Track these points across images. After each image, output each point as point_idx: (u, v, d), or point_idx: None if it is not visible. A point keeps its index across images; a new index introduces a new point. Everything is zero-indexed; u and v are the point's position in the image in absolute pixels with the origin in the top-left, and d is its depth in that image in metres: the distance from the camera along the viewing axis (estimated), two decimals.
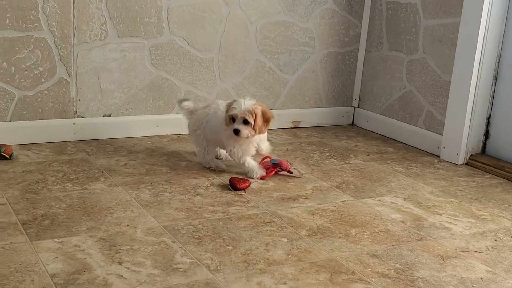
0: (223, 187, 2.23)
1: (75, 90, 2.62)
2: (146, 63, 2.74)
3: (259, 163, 2.40)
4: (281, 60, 3.05)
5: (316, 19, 3.08)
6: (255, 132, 2.25)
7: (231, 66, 2.94)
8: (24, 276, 1.50)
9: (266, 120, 2.29)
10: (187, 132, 2.76)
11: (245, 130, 2.23)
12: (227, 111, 2.28)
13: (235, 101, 2.29)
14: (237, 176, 2.28)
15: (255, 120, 2.23)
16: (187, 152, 2.62)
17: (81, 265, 1.58)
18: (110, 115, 2.72)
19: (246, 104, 2.25)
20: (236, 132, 2.23)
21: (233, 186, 2.21)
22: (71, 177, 2.20)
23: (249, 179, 2.29)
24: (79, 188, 2.11)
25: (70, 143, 2.61)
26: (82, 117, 2.66)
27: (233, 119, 2.25)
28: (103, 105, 2.69)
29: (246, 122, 2.23)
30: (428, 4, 2.88)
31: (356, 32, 3.22)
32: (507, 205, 2.27)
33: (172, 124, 2.85)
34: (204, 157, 2.43)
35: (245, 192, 2.20)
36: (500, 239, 1.97)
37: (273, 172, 2.36)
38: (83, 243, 1.70)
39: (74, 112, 2.64)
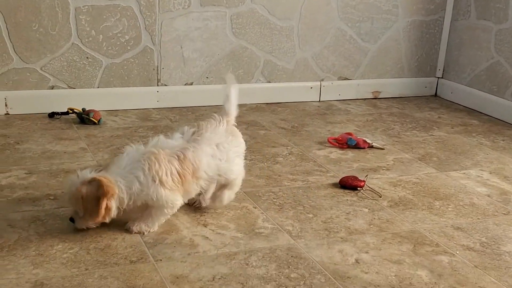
0: (302, 156, 2.25)
1: (159, 59, 2.69)
2: (227, 32, 2.76)
3: (338, 137, 2.37)
4: (362, 29, 3.00)
5: None
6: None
7: (311, 35, 2.92)
8: (116, 234, 1.59)
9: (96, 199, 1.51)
10: (266, 101, 2.77)
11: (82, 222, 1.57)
12: None
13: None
14: (349, 176, 2.03)
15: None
16: (265, 121, 2.65)
17: (168, 226, 1.64)
18: (191, 84, 2.78)
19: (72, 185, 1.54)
20: (72, 221, 1.59)
21: (347, 184, 1.98)
22: None
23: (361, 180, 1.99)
24: None
25: (154, 110, 2.69)
26: (165, 85, 2.73)
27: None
28: (185, 73, 2.75)
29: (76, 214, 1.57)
30: None
31: (442, 0, 3.12)
32: None
33: (251, 93, 2.88)
34: None
35: (361, 189, 1.97)
36: None
37: (344, 147, 2.34)
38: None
39: (158, 80, 2.71)
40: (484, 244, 1.68)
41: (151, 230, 1.61)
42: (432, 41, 3.17)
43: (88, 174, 1.54)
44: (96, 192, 1.50)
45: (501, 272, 1.53)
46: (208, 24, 2.72)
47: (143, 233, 1.60)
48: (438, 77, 3.25)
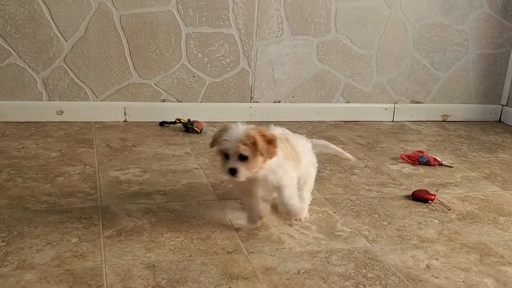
0: (377, 169, 2.20)
1: (253, 79, 2.72)
2: (313, 57, 2.76)
3: (410, 154, 2.31)
4: (435, 58, 2.92)
5: (471, 22, 2.90)
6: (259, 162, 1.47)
7: (388, 62, 2.87)
8: (215, 228, 1.61)
9: (268, 141, 1.48)
10: (344, 119, 2.74)
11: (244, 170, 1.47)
12: (217, 145, 1.52)
13: (224, 130, 1.53)
14: (421, 189, 1.96)
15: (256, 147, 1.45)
16: (343, 137, 2.62)
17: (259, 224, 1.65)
18: (279, 102, 2.79)
19: (238, 134, 1.47)
20: (233, 172, 1.47)
21: (419, 197, 1.91)
22: None
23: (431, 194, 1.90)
24: None
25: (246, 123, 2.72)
26: (257, 102, 2.76)
27: (225, 155, 1.50)
28: (275, 92, 2.77)
29: (242, 157, 1.46)
30: None
31: (509, 35, 2.98)
32: None
33: (331, 111, 2.86)
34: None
35: (432, 202, 1.90)
36: None
37: (415, 163, 2.27)
38: None
39: (251, 98, 2.74)
40: None
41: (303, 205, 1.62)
42: (498, 72, 3.04)
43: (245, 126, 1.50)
44: (268, 135, 1.48)
45: None
46: (297, 51, 2.73)
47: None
48: (503, 105, 3.10)
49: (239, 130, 1.48)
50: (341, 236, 1.62)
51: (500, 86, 3.07)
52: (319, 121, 2.86)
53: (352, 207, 1.83)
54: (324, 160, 2.25)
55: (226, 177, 1.54)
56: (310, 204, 1.77)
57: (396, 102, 2.95)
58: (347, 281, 1.38)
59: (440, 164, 2.29)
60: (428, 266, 1.48)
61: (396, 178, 2.12)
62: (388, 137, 2.66)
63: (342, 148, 2.41)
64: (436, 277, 1.43)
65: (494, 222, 1.79)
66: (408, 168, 2.24)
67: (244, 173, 1.46)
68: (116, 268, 1.37)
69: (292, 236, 1.60)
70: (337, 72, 2.81)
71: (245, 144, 1.44)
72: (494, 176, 2.21)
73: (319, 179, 2.04)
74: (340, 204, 1.85)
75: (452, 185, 2.09)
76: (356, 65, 2.83)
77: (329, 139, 2.55)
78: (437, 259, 1.52)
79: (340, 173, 2.14)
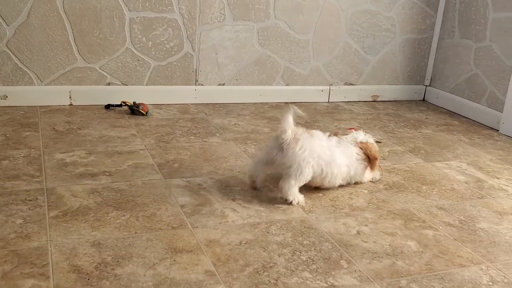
0: None
1: (197, 63, 2.66)
2: (254, 42, 2.73)
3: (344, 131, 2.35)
4: (365, 43, 2.95)
5: (398, 9, 2.95)
6: None
7: (323, 47, 2.88)
8: (160, 205, 1.57)
9: None
10: (284, 100, 2.75)
11: None
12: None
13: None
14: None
15: None
16: None
17: (203, 200, 1.63)
18: (223, 84, 2.75)
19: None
20: None
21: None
22: (193, 132, 2.26)
23: None
24: (200, 141, 2.16)
25: (192, 105, 2.67)
26: (202, 84, 2.71)
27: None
28: (219, 75, 2.73)
29: None
30: None
31: (432, 22, 3.06)
32: None
33: (272, 93, 2.85)
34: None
35: None
36: None
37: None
38: (205, 182, 1.75)
39: (196, 81, 2.69)
40: (462, 221, 1.64)
41: None
42: (422, 56, 3.12)
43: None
44: None
45: (475, 245, 1.50)
46: (239, 36, 2.69)
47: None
48: (426, 85, 3.19)
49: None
50: (280, 208, 1.62)
51: (423, 69, 3.15)
52: (261, 103, 2.84)
53: None
54: (266, 139, 2.24)
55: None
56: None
57: (331, 84, 2.98)
58: (285, 248, 1.39)
59: None
60: (358, 232, 1.51)
61: None
62: (324, 117, 2.68)
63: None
64: (365, 242, 1.46)
65: (417, 191, 1.84)
66: None
67: None
68: (61, 247, 1.32)
69: (235, 210, 1.58)
70: (277, 56, 2.80)
71: None
72: (417, 150, 2.28)
73: None
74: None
75: (380, 159, 2.13)
76: (294, 49, 2.83)
77: (271, 119, 2.55)
78: (366, 226, 1.55)
79: None
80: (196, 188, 1.70)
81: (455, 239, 1.52)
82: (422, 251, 1.44)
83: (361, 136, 1.81)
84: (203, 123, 2.39)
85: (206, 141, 2.15)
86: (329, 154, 1.66)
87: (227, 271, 1.27)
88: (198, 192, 1.67)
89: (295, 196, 1.63)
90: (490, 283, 1.32)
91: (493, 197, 1.85)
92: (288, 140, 1.59)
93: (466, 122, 2.80)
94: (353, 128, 2.35)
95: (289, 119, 1.62)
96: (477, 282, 1.32)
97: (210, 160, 1.95)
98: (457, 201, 1.79)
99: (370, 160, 1.78)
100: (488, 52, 2.76)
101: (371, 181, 1.87)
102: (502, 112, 2.67)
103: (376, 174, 1.88)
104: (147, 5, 2.48)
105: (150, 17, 2.50)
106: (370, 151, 1.78)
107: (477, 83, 2.83)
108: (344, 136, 1.79)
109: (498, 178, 2.03)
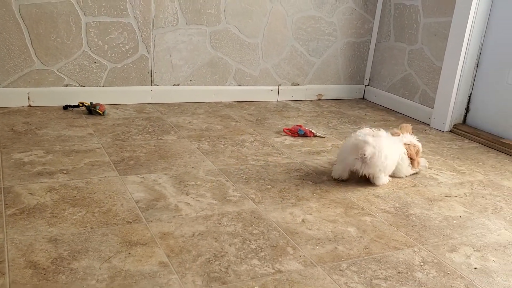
0: (263, 142, 2.22)
1: (153, 64, 2.61)
2: (207, 45, 2.71)
3: (291, 128, 2.37)
4: (310, 46, 2.98)
5: (339, 15, 2.99)
6: None
7: (272, 50, 2.89)
8: (115, 201, 1.53)
9: None
10: (236, 99, 2.74)
11: None
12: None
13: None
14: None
15: None
16: (236, 115, 2.61)
17: (158, 195, 1.59)
18: (178, 85, 2.71)
19: None
20: None
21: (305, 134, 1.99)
22: (149, 130, 2.22)
23: None
24: (155, 139, 2.12)
25: (148, 105, 2.62)
26: (157, 85, 2.66)
27: None
28: (174, 76, 2.68)
29: None
30: (427, 6, 2.77)
31: (370, 26, 3.12)
32: (481, 163, 2.21)
33: (225, 93, 2.83)
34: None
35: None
36: (475, 188, 1.92)
37: (295, 135, 2.32)
38: (159, 178, 1.72)
39: (151, 81, 2.64)
40: (397, 208, 1.68)
41: None
42: (361, 58, 3.18)
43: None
44: None
45: (409, 229, 1.54)
46: (192, 39, 2.66)
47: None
48: (366, 85, 3.26)
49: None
50: (232, 200, 1.61)
51: (363, 69, 3.21)
52: (215, 102, 2.82)
53: (242, 175, 1.83)
54: (219, 136, 2.23)
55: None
56: (206, 176, 1.74)
57: (280, 85, 2.99)
58: (235, 238, 1.38)
59: (315, 136, 2.35)
60: (303, 220, 1.52)
61: (279, 148, 2.15)
62: (274, 114, 2.69)
63: (234, 125, 2.42)
64: (309, 229, 1.47)
65: (356, 181, 1.86)
66: (289, 140, 2.28)
67: None
68: (18, 244, 1.26)
69: (189, 203, 1.56)
70: (228, 58, 2.78)
71: None
72: None
73: (214, 152, 2.02)
74: (232, 173, 1.84)
75: (324, 153, 2.16)
76: (244, 52, 2.82)
77: (224, 117, 2.53)
78: (310, 214, 1.57)
79: (233, 146, 2.12)
80: (151, 184, 1.67)
81: (390, 224, 1.56)
82: (361, 236, 1.46)
83: (407, 137, 1.98)
84: (158, 122, 2.34)
85: (161, 139, 2.11)
86: (390, 153, 1.83)
87: (180, 261, 1.25)
88: (153, 187, 1.64)
89: (386, 181, 1.87)
90: (422, 264, 1.36)
91: (425, 186, 1.90)
92: (369, 156, 1.76)
93: (401, 118, 2.88)
94: (300, 125, 2.38)
95: (368, 139, 1.77)
96: (410, 263, 1.35)
97: (165, 157, 1.91)
98: (393, 189, 1.84)
99: (411, 158, 1.95)
100: (420, 54, 2.84)
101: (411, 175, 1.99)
102: (433, 108, 2.75)
103: (415, 169, 1.99)
104: (102, 10, 2.40)
105: (105, 21, 2.43)
106: (410, 151, 1.94)
107: (410, 82, 2.91)
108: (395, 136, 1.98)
109: (429, 168, 2.09)
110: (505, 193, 1.89)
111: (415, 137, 2.02)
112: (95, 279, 1.15)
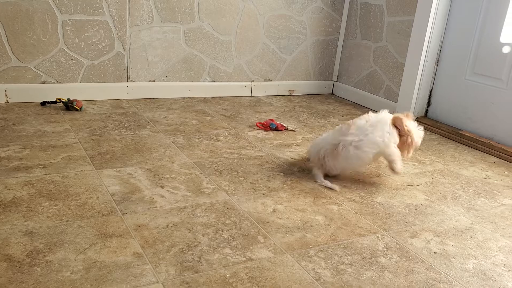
0: (237, 136, 2.20)
1: (129, 61, 2.56)
2: (182, 42, 2.67)
3: (263, 122, 2.36)
4: (281, 44, 2.97)
5: (308, 14, 2.99)
6: None
7: (245, 47, 2.87)
8: (91, 194, 1.49)
9: None
10: (211, 95, 2.71)
11: None
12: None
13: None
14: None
15: None
16: (211, 110, 2.58)
17: (133, 188, 1.56)
18: (154, 81, 2.67)
19: None
20: None
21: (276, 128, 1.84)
22: (125, 125, 2.18)
23: None
24: (131, 133, 2.08)
25: (125, 101, 2.57)
26: (133, 81, 2.61)
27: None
28: (149, 73, 2.64)
29: None
30: (391, 5, 2.79)
31: (337, 25, 3.13)
32: (441, 154, 2.25)
33: (200, 89, 2.80)
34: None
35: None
36: (435, 177, 1.96)
37: (267, 129, 2.31)
38: (135, 172, 1.69)
39: (128, 78, 2.59)
40: (362, 197, 1.69)
41: None
42: (330, 55, 3.19)
43: None
44: None
45: (373, 216, 1.55)
46: (167, 36, 2.61)
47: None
48: (334, 81, 3.27)
49: None
50: (206, 192, 1.59)
51: (331, 66, 3.23)
52: (190, 97, 2.79)
53: (216, 168, 1.81)
54: (194, 130, 2.20)
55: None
56: (181, 169, 1.72)
57: (253, 81, 2.97)
58: (208, 228, 1.36)
59: (286, 129, 2.35)
60: (274, 210, 1.52)
61: (252, 142, 2.14)
62: (247, 109, 2.68)
63: (209, 119, 2.40)
64: (280, 218, 1.47)
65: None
66: (261, 134, 2.27)
67: None
68: None
69: (163, 196, 1.54)
70: (203, 55, 2.75)
71: None
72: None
73: (189, 146, 1.99)
74: (206, 166, 1.82)
75: (295, 145, 2.16)
76: (218, 49, 2.79)
77: (199, 112, 2.50)
78: (281, 204, 1.56)
79: (207, 140, 2.10)
80: (126, 177, 1.63)
81: (356, 213, 1.57)
82: (328, 224, 1.47)
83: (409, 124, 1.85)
84: (134, 117, 2.30)
85: (137, 134, 2.07)
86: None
87: (154, 252, 1.22)
88: (128, 180, 1.61)
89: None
90: (385, 249, 1.37)
91: (388, 175, 1.92)
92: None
93: (367, 111, 2.90)
94: (272, 120, 2.37)
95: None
96: (374, 249, 1.37)
97: (140, 151, 1.88)
98: (358, 179, 1.85)
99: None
100: (384, 51, 2.87)
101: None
102: (397, 103, 2.78)
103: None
104: (78, 8, 2.34)
105: (82, 19, 2.36)
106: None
107: (376, 78, 2.94)
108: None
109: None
110: (463, 182, 1.93)
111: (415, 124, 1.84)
112: (70, 270, 1.12)
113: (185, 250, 1.25)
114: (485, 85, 2.44)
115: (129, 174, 1.66)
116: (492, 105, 2.41)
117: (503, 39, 2.34)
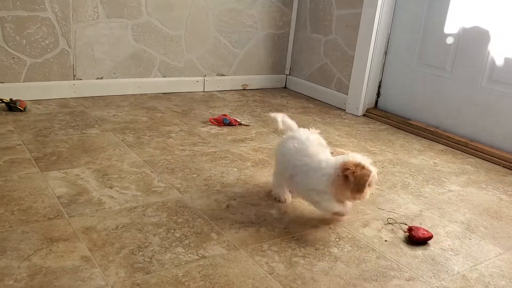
0: (190, 132, 2.18)
1: (74, 59, 2.47)
2: (129, 38, 2.60)
3: (217, 117, 2.34)
4: (232, 38, 2.96)
5: (258, 8, 2.99)
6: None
7: (195, 42, 2.83)
8: (36, 198, 1.43)
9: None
10: (162, 91, 2.67)
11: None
12: (345, 170, 1.33)
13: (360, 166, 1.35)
14: (417, 227, 1.45)
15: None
16: (162, 106, 2.54)
17: (81, 189, 1.51)
18: (102, 78, 2.59)
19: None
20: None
21: (415, 239, 1.42)
22: (72, 125, 2.10)
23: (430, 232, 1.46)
24: (79, 133, 2.01)
25: (71, 99, 2.48)
26: (80, 79, 2.52)
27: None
28: (97, 70, 2.55)
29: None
30: None
31: (288, 19, 3.15)
32: (391, 143, 2.32)
33: (150, 85, 2.74)
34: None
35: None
36: (386, 166, 2.01)
37: (221, 125, 2.31)
38: (82, 173, 1.63)
39: (74, 76, 2.50)
40: None
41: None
42: (281, 49, 3.20)
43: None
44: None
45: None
46: (114, 32, 2.54)
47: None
48: (287, 74, 3.30)
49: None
50: (157, 191, 1.56)
51: (284, 60, 3.25)
52: (140, 94, 2.73)
53: (167, 166, 1.78)
54: (144, 128, 2.16)
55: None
56: (131, 168, 1.68)
57: (205, 76, 2.95)
58: (160, 228, 1.34)
59: (240, 124, 2.35)
60: (228, 206, 1.51)
61: (205, 138, 2.12)
62: (200, 105, 2.65)
63: (160, 116, 2.35)
64: (233, 214, 1.47)
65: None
66: (215, 129, 2.25)
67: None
68: None
69: (112, 196, 1.50)
70: (152, 50, 2.69)
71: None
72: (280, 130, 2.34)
73: (139, 144, 1.95)
74: (157, 164, 1.78)
75: (249, 140, 2.16)
76: (168, 44, 2.74)
77: (149, 109, 2.45)
78: (235, 199, 1.56)
79: (158, 137, 2.06)
80: (73, 178, 1.58)
81: (309, 205, 1.58)
82: (281, 218, 1.48)
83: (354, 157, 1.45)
84: (82, 116, 2.22)
85: (84, 133, 2.01)
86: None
87: (103, 255, 1.19)
88: (76, 182, 1.55)
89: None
90: (337, 239, 1.40)
91: None
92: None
93: (320, 104, 2.95)
94: (225, 115, 2.36)
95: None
96: (326, 240, 1.39)
97: (88, 151, 1.82)
98: None
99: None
100: (334, 44, 2.91)
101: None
102: (347, 95, 2.84)
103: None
104: (18, 4, 2.23)
105: (22, 16, 2.25)
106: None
107: (327, 71, 2.99)
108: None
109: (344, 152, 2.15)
110: (412, 170, 2.00)
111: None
112: (13, 279, 1.07)
113: (136, 251, 1.22)
114: (431, 75, 2.54)
115: (77, 175, 1.60)
116: (438, 94, 2.51)
117: (447, 30, 2.43)
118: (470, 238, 1.50)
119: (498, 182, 1.96)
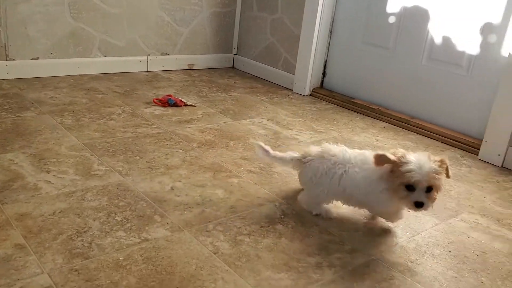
0: (132, 113, 2.12)
1: (6, 37, 2.32)
2: (67, 16, 2.47)
3: (161, 98, 2.29)
4: (177, 16, 2.88)
5: None
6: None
7: (137, 20, 2.73)
8: None
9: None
10: (103, 71, 2.59)
11: (430, 202, 1.26)
12: (397, 176, 1.26)
13: (406, 160, 1.25)
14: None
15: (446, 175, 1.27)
16: (103, 87, 2.45)
17: (14, 175, 1.44)
18: (38, 58, 2.45)
19: (427, 164, 1.24)
20: (420, 205, 1.26)
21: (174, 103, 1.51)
22: (5, 108, 1.98)
23: None
24: (13, 116, 1.90)
25: (5, 81, 2.33)
26: (14, 59, 2.38)
27: (410, 186, 1.25)
28: (31, 49, 2.42)
29: (430, 189, 1.25)
30: None
31: None
32: (335, 122, 2.37)
33: (91, 65, 2.63)
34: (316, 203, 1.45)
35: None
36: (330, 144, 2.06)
37: (165, 105, 2.26)
38: (16, 158, 1.55)
39: (6, 56, 2.35)
40: (262, 168, 1.73)
41: None
42: (228, 27, 3.16)
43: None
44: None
45: (271, 186, 1.59)
46: (49, 9, 2.40)
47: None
48: (234, 54, 3.27)
49: (427, 159, 1.25)
50: (97, 175, 1.52)
51: (230, 39, 3.21)
52: (80, 75, 2.61)
53: (108, 148, 1.73)
54: (84, 110, 2.07)
55: (411, 210, 1.32)
56: (69, 151, 1.61)
57: (149, 55, 2.86)
58: (100, 212, 1.30)
59: (186, 105, 2.31)
60: (172, 188, 1.49)
61: (149, 119, 2.08)
62: (143, 85, 2.58)
63: (101, 97, 2.27)
64: (178, 196, 1.45)
65: (226, 146, 1.89)
66: (159, 110, 2.21)
67: (429, 205, 1.27)
68: None
69: (49, 181, 1.43)
70: (91, 29, 2.58)
71: (438, 174, 1.24)
72: (227, 110, 2.33)
73: (78, 127, 1.88)
74: (97, 147, 1.73)
75: (195, 121, 2.13)
76: (108, 22, 2.63)
77: (89, 90, 2.36)
78: (179, 181, 1.54)
79: (99, 119, 1.99)
80: (6, 164, 1.50)
81: (255, 184, 1.60)
82: (228, 197, 1.48)
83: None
84: (16, 98, 2.11)
85: (19, 116, 1.90)
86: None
87: (38, 241, 1.14)
88: (9, 167, 1.48)
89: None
90: (282, 216, 1.42)
91: (287, 145, 1.98)
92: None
93: (267, 84, 2.95)
94: (170, 95, 2.31)
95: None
96: (272, 217, 1.41)
97: (23, 135, 1.73)
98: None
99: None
100: (280, 23, 2.91)
101: None
102: (294, 75, 2.86)
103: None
104: None
105: None
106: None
107: (273, 50, 2.99)
108: None
109: (291, 129, 2.18)
110: (355, 147, 2.05)
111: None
112: None
113: (74, 236, 1.18)
114: (374, 54, 2.60)
115: (10, 160, 1.52)
116: (381, 73, 2.57)
117: (389, 9, 2.49)
118: (409, 210, 1.56)
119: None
